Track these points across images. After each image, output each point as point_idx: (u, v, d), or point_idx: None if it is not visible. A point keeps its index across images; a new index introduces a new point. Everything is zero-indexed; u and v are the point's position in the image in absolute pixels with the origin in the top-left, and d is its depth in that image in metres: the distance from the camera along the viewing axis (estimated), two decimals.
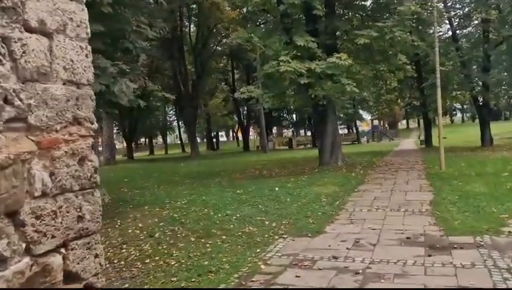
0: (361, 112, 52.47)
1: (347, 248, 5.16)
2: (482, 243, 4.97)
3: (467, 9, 20.37)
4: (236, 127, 56.83)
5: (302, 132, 61.90)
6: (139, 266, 5.09)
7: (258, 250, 5.28)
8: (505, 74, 20.88)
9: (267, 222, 6.75)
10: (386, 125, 62.23)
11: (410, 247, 5.06)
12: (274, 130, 68.23)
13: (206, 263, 4.96)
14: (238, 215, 7.33)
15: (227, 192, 9.97)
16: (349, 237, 5.67)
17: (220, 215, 7.36)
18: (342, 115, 43.00)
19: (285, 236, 5.92)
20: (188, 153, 35.69)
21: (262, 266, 4.68)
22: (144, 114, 39.38)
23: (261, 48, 12.80)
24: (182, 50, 32.55)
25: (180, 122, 51.56)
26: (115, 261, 5.32)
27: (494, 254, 4.56)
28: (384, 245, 5.21)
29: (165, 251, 5.56)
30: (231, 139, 77.91)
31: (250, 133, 54.18)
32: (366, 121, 55.13)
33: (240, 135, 51.90)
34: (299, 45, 11.82)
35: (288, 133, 62.39)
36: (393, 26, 11.53)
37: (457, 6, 20.87)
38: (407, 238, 5.45)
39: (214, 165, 21.52)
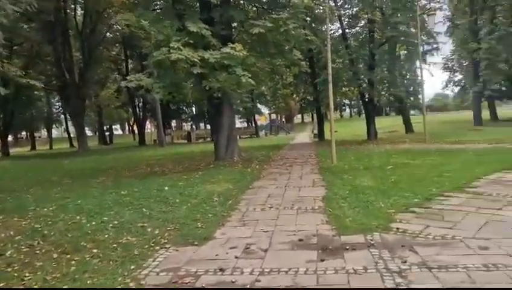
0: (259, 106, 53.45)
1: (236, 257, 4.61)
2: (372, 242, 4.81)
3: (355, 9, 21.50)
4: (133, 120, 53.80)
5: (202, 125, 61.03)
6: None
7: (132, 266, 4.46)
8: (387, 72, 22.47)
9: (149, 229, 5.93)
10: (283, 119, 64.39)
11: (303, 251, 4.70)
12: (173, 123, 66.46)
13: (65, 287, 4.02)
14: (116, 222, 6.37)
15: (109, 193, 8.86)
16: (239, 242, 5.14)
17: (94, 223, 6.32)
18: (241, 109, 43.24)
19: (168, 246, 5.17)
20: (76, 148, 32.58)
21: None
22: (22, 105, 35.11)
23: (152, 33, 11.69)
24: (66, 34, 29.40)
25: (67, 114, 47.02)
26: None
27: (384, 255, 4.38)
28: (276, 250, 4.78)
29: (15, 274, 4.45)
30: (127, 133, 73.84)
31: (148, 127, 51.81)
32: (265, 115, 56.38)
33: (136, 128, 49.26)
34: (191, 31, 11.04)
35: (187, 126, 61.04)
36: (288, 18, 11.37)
37: (347, 6, 21.90)
38: (300, 240, 5.09)
39: (103, 161, 19.75)
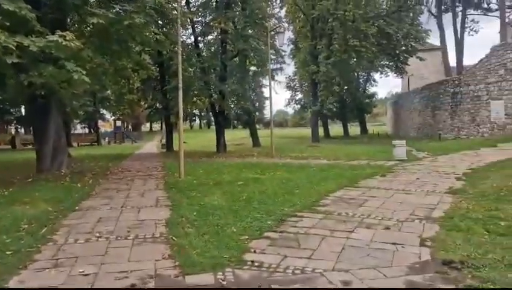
0: (103, 111, 49.26)
1: None
2: (224, 283, 3.88)
3: (208, 17, 21.01)
4: None
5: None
6: None
7: None
8: (237, 85, 22.53)
9: None
10: (130, 127, 60.89)
11: None
12: None
13: None
14: None
15: None
16: None
17: None
18: (82, 113, 38.93)
19: None
20: None
21: None
22: None
23: None
24: None
25: None
26: None
27: None
28: None
29: None
30: None
31: None
32: (110, 121, 52.31)
33: None
34: (7, 11, 8.72)
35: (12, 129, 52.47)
36: (134, 12, 9.96)
37: (200, 13, 21.31)
38: (132, 286, 3.86)
39: None
